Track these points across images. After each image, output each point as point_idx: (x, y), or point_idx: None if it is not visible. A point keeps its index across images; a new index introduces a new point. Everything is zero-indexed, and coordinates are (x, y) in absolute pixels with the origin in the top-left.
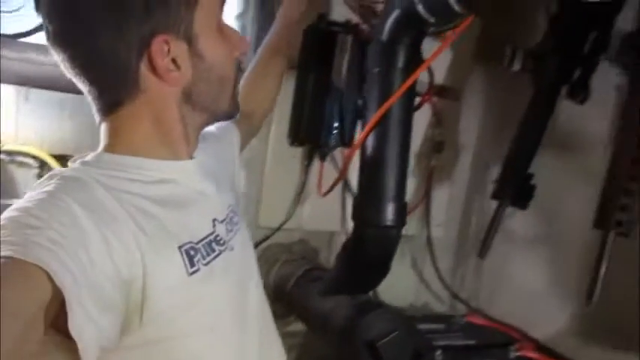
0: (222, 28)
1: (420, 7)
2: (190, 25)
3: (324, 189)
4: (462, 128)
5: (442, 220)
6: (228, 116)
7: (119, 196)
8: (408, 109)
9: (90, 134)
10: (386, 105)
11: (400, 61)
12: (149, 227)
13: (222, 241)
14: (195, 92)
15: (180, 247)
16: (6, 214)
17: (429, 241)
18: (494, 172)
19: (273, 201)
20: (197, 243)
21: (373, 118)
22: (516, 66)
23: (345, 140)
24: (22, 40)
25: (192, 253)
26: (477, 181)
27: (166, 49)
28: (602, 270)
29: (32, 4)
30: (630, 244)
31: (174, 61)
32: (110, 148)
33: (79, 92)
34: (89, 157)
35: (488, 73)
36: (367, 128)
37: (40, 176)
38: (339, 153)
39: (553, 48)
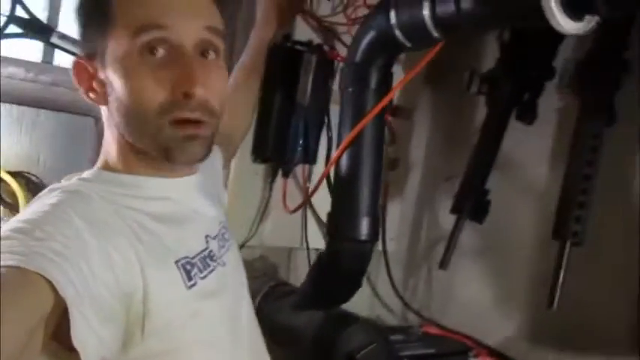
0: (154, 60)
1: (397, 32)
2: (104, 53)
3: (287, 204)
4: (412, 146)
5: (395, 234)
6: (160, 158)
7: (119, 211)
8: (381, 127)
9: (46, 148)
10: (362, 123)
11: (373, 82)
12: (148, 242)
13: (215, 257)
14: (115, 120)
15: (177, 262)
16: (10, 225)
17: (385, 254)
18: (442, 187)
19: (236, 218)
20: (193, 258)
21: (348, 136)
22: (473, 89)
23: (309, 157)
24: None
25: (188, 267)
26: (425, 196)
27: (85, 69)
28: (561, 277)
29: None
30: (578, 252)
31: (92, 81)
32: (105, 165)
33: (35, 105)
34: (86, 174)
35: (436, 94)
36: (343, 145)
37: None
38: (299, 169)
39: (505, 73)
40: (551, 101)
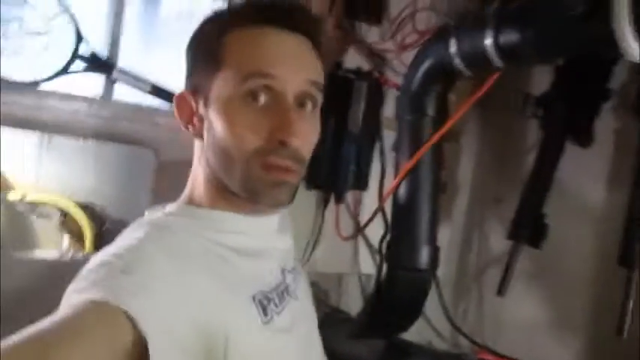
0: (256, 105)
1: (457, 61)
2: (208, 91)
3: (340, 230)
4: (460, 169)
5: (444, 257)
6: (247, 198)
7: (203, 244)
8: (438, 155)
9: (113, 181)
10: (421, 151)
11: (430, 110)
12: (227, 276)
13: (290, 291)
14: (208, 156)
15: (254, 297)
16: (97, 257)
17: (435, 278)
18: (491, 210)
19: None
20: (270, 292)
21: (407, 164)
22: (528, 112)
23: (361, 183)
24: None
25: (265, 302)
26: (474, 219)
27: (188, 102)
28: (630, 304)
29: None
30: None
31: (193, 115)
32: (190, 199)
33: (101, 138)
34: (170, 207)
35: (484, 116)
36: (402, 173)
37: (63, 226)
38: (349, 195)
39: (560, 96)
40: (607, 123)
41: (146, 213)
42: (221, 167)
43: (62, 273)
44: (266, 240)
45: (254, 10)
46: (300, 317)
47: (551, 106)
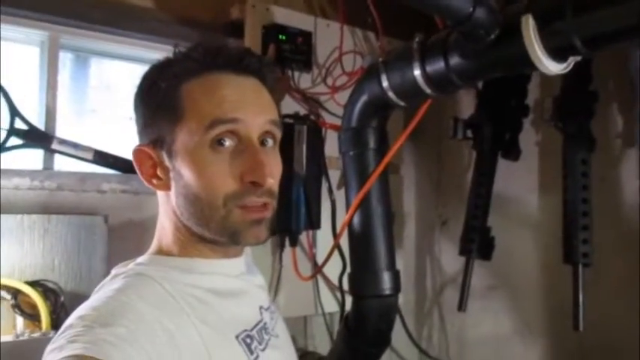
0: (223, 151)
1: (390, 94)
2: (172, 143)
3: (300, 272)
4: (405, 198)
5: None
6: (226, 242)
7: (180, 290)
8: (386, 184)
9: (63, 254)
10: (370, 181)
11: (372, 143)
12: (209, 318)
13: (268, 329)
14: (177, 207)
15: (237, 337)
16: (75, 313)
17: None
18: (439, 232)
19: None
20: (251, 330)
21: (357, 197)
22: (459, 135)
23: (313, 223)
24: None
25: (248, 340)
26: (424, 244)
27: (148, 156)
28: (581, 299)
29: None
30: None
31: (155, 168)
32: (159, 250)
33: (46, 212)
34: (139, 260)
35: (417, 144)
36: (354, 206)
37: (16, 307)
38: (302, 236)
39: (485, 117)
40: (530, 136)
41: (113, 271)
42: (194, 215)
43: (20, 354)
44: (241, 279)
45: (206, 58)
46: (283, 353)
47: (479, 126)
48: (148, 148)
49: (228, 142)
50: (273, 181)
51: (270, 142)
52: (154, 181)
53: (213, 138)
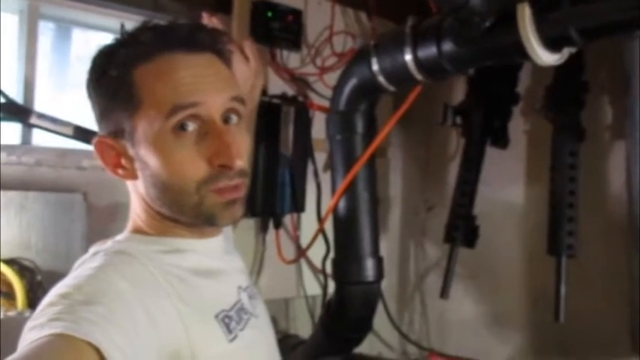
0: (186, 135)
1: (380, 78)
2: (133, 132)
3: (283, 255)
4: (391, 182)
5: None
6: (202, 224)
7: (160, 267)
8: (372, 170)
9: (41, 231)
10: (356, 167)
11: (360, 127)
12: (189, 297)
13: (246, 309)
14: (147, 194)
15: (216, 316)
16: (55, 291)
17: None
18: (423, 218)
19: None
20: (229, 310)
21: (344, 181)
22: (449, 121)
23: (298, 206)
24: None
25: (227, 320)
26: (408, 229)
27: (110, 146)
28: (562, 290)
29: None
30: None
31: (119, 158)
32: (137, 229)
33: (21, 188)
34: (118, 237)
35: (406, 129)
36: (339, 191)
37: None
38: (287, 218)
39: (475, 104)
40: (519, 125)
41: (92, 249)
42: (166, 203)
43: None
44: (219, 259)
45: (155, 40)
46: (262, 334)
47: (469, 113)
48: (109, 139)
49: (191, 127)
50: (241, 162)
51: (234, 118)
52: (120, 171)
53: (174, 124)
